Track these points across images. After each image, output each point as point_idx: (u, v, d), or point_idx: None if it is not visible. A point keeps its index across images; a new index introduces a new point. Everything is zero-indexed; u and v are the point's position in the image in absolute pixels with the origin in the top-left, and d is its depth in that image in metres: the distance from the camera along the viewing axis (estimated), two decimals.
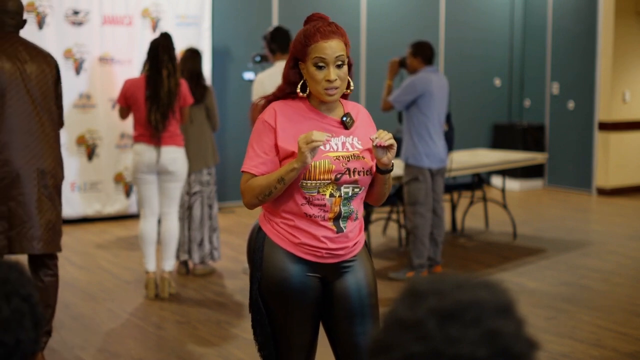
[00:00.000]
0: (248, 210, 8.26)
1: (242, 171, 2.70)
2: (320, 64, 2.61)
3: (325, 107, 2.71)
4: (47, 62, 4.09)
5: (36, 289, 1.34)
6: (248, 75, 7.21)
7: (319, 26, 2.64)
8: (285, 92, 2.73)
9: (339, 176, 2.62)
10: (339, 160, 2.63)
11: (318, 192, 2.62)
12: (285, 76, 2.73)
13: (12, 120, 3.96)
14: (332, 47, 2.61)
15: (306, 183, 2.61)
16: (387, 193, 2.80)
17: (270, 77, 5.75)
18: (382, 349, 1.05)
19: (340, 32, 2.66)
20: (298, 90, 2.69)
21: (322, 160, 2.61)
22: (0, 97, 3.94)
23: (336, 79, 2.62)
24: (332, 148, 2.66)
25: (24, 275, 1.32)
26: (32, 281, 1.34)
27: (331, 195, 2.63)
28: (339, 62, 2.63)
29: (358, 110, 2.80)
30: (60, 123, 4.20)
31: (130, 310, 5.24)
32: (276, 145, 2.65)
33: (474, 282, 1.07)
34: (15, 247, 3.98)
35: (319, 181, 2.61)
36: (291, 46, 2.71)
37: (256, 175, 2.66)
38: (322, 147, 2.62)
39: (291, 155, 2.62)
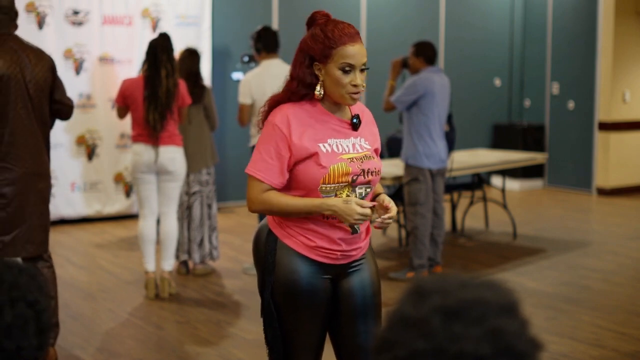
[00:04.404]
0: (248, 210, 8.23)
1: (247, 173, 2.64)
2: (347, 69, 2.59)
3: (335, 108, 2.69)
4: (44, 63, 4.05)
5: (46, 294, 1.31)
6: (236, 75, 7.20)
7: (342, 27, 2.61)
8: (301, 94, 2.63)
9: (355, 178, 2.62)
10: (353, 162, 2.63)
11: (336, 195, 2.62)
12: (300, 77, 2.62)
13: (14, 126, 3.96)
14: (360, 52, 2.61)
15: (326, 187, 2.60)
16: None
17: (257, 77, 5.76)
18: (387, 346, 1.05)
19: (359, 34, 2.66)
20: (317, 92, 2.62)
21: (339, 163, 2.60)
22: (5, 104, 3.94)
23: (362, 84, 2.62)
24: (345, 150, 2.64)
25: (35, 281, 1.29)
26: (42, 287, 1.30)
27: (347, 196, 2.62)
28: (363, 67, 2.63)
29: (362, 110, 2.80)
30: (69, 115, 4.23)
31: (130, 310, 5.24)
32: (289, 152, 2.58)
33: (479, 282, 1.08)
34: (8, 251, 3.97)
35: (338, 184, 2.61)
36: (305, 44, 2.63)
37: (260, 181, 2.60)
38: (335, 150, 2.62)
39: (308, 157, 2.57)
